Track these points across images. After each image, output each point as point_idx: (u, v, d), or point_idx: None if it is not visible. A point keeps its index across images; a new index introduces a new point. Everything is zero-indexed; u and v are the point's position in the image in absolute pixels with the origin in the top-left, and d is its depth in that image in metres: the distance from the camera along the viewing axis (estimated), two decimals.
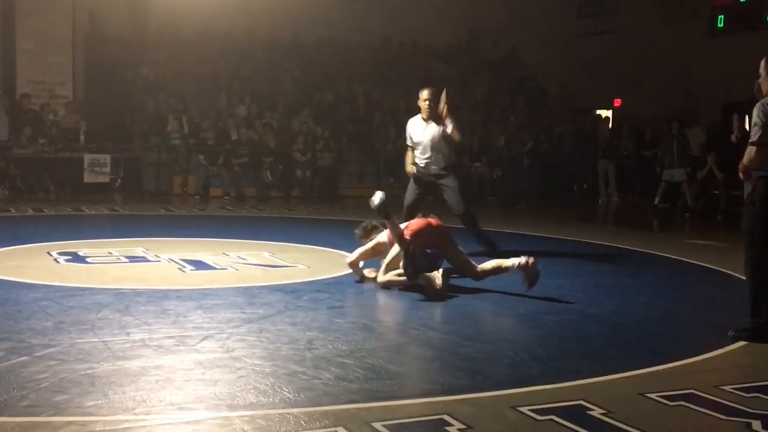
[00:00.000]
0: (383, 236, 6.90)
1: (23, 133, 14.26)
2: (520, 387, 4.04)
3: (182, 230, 9.97)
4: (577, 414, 3.66)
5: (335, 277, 7.03)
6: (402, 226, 6.76)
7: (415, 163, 8.17)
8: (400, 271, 6.45)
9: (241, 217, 12.07)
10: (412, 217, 7.28)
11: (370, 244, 6.95)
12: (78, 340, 4.67)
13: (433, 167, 8.05)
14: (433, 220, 6.85)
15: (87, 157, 14.19)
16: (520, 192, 15.64)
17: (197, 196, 14.35)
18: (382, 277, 6.63)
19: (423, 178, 8.15)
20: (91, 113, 15.59)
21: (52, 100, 15.66)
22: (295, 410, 3.61)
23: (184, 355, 4.45)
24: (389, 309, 6.16)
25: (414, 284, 6.33)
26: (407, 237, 6.52)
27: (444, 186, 8.14)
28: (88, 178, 14.15)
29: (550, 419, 3.58)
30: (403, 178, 14.19)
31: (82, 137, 14.69)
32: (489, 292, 6.50)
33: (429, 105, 7.99)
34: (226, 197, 14.46)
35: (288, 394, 3.83)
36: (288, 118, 16.39)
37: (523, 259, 6.45)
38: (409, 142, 8.24)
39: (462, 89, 18.75)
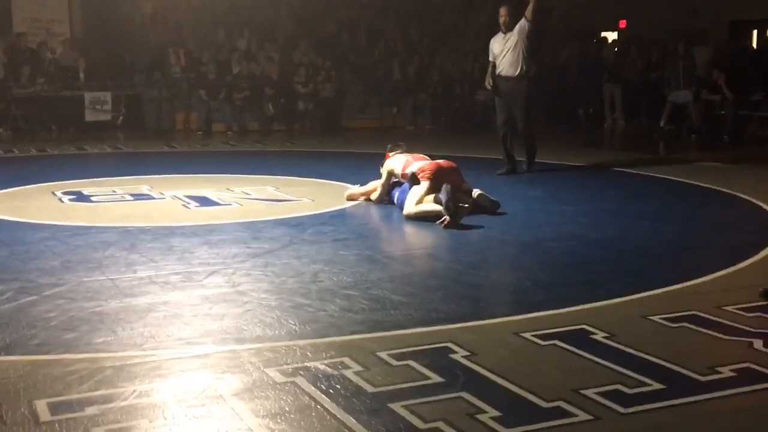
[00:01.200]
0: (396, 166, 7.05)
1: (22, 73, 14.15)
2: (523, 314, 4.09)
3: (186, 167, 9.97)
4: (579, 338, 3.71)
5: (339, 210, 7.08)
6: (409, 168, 6.92)
7: (494, 80, 9.12)
8: (430, 206, 6.45)
9: (244, 151, 12.06)
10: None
11: (372, 184, 7.23)
12: (85, 279, 4.73)
13: (507, 73, 8.99)
14: (442, 162, 6.96)
15: (87, 96, 14.10)
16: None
17: (200, 132, 14.31)
18: (412, 209, 6.56)
19: (501, 88, 9.10)
20: (89, 50, 15.42)
21: (49, 38, 15.48)
22: (301, 342, 3.67)
23: (190, 290, 4.51)
24: (393, 240, 6.20)
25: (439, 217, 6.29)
26: (429, 177, 6.64)
27: (513, 94, 9.02)
28: (89, 116, 14.08)
29: (553, 344, 3.63)
30: (399, 107, 14.33)
31: (81, 75, 14.57)
32: (494, 221, 6.52)
33: (505, 20, 9.03)
34: (229, 132, 14.42)
35: (294, 327, 3.88)
36: (289, 49, 16.21)
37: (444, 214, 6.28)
38: (491, 57, 9.20)
39: (464, 15, 18.47)
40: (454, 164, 7.02)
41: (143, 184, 8.39)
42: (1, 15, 15.72)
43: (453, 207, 6.27)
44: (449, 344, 3.62)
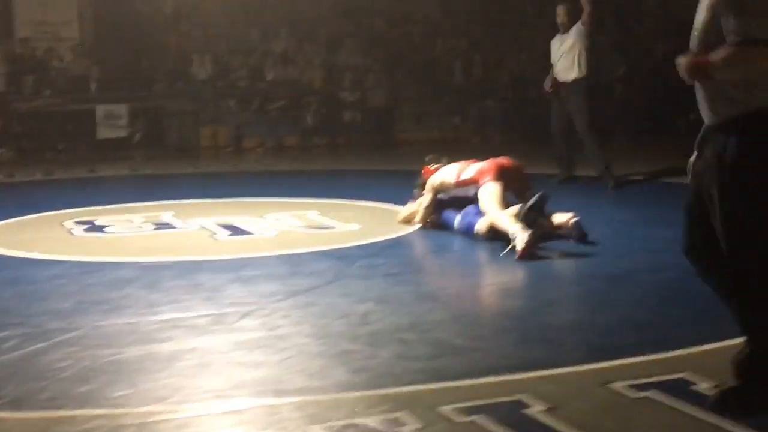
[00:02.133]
0: (447, 176, 7.15)
1: (25, 84, 14.49)
2: (612, 360, 4.06)
3: (213, 190, 10.10)
4: (681, 389, 3.67)
5: (393, 239, 7.11)
6: (464, 173, 7.06)
7: (553, 83, 9.89)
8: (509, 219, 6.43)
9: (280, 171, 12.18)
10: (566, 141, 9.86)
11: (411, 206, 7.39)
12: (101, 323, 4.83)
13: (563, 78, 9.75)
14: (503, 160, 7.05)
15: (100, 109, 14.40)
16: (612, 128, 15.44)
17: (229, 149, 14.51)
18: (491, 216, 6.58)
19: (560, 93, 9.81)
20: (102, 57, 15.78)
21: (57, 43, 15.86)
22: (350, 394, 3.70)
23: (221, 335, 4.57)
24: (456, 274, 6.22)
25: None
26: (496, 177, 6.76)
27: (570, 97, 9.73)
28: (102, 133, 14.37)
29: (648, 397, 3.60)
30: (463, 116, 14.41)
31: (93, 86, 14.90)
32: (576, 250, 6.51)
33: (563, 20, 9.82)
34: (261, 148, 14.60)
35: (341, 377, 3.92)
36: (332, 51, 16.40)
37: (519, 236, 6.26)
38: (552, 59, 9.95)
39: (538, 4, 18.49)
40: (518, 163, 7.06)
41: (165, 211, 8.52)
42: (2, 17, 16.11)
43: (534, 224, 6.29)
44: (524, 397, 3.61)
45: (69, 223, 7.98)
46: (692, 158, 3.45)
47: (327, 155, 13.89)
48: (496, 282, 5.68)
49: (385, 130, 15.53)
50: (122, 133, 14.57)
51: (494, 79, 16.40)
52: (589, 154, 9.78)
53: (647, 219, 7.83)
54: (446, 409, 3.51)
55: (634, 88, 16.32)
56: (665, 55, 17.12)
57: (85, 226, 7.84)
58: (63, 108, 14.38)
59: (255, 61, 15.75)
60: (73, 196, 9.74)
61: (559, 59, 9.84)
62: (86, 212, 8.57)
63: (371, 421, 3.41)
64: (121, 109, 14.55)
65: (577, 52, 9.72)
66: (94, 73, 14.99)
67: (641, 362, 4.03)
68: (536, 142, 14.63)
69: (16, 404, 3.69)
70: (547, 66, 10.20)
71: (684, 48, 3.59)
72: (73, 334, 4.63)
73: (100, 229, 7.76)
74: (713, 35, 3.23)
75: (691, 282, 5.48)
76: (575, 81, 9.72)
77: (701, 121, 3.48)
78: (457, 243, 6.90)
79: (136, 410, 3.58)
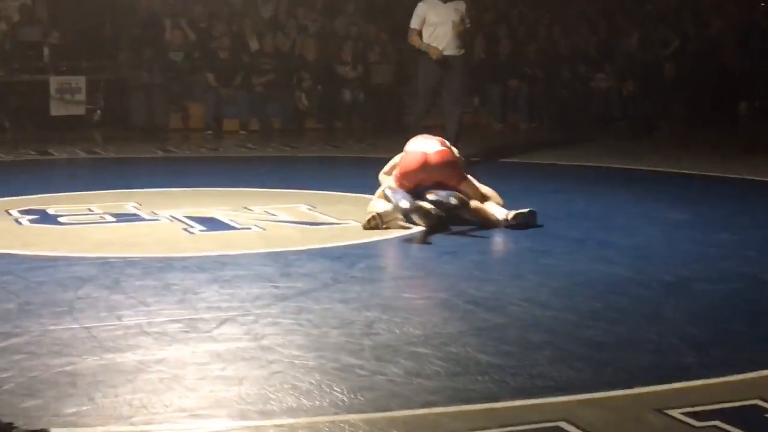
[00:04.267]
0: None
1: None
2: (667, 383, 4.03)
3: (187, 178, 10.09)
4: (752, 418, 3.64)
5: (399, 237, 7.08)
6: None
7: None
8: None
9: (267, 157, 12.19)
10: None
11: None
12: (52, 327, 4.77)
13: (450, 51, 10.88)
14: (429, 154, 7.39)
15: (54, 81, 14.39)
16: (660, 113, 15.43)
17: (207, 132, 14.50)
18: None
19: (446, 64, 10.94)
20: (57, 20, 15.76)
21: (2, 2, 15.86)
22: (351, 417, 3.64)
23: (196, 344, 4.52)
24: (476, 279, 6.15)
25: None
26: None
27: (452, 71, 10.94)
28: (56, 109, 14.35)
29: (714, 425, 3.56)
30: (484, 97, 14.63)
31: (46, 53, 14.88)
32: (619, 254, 6.51)
33: None
34: (244, 131, 14.57)
35: (341, 396, 3.87)
36: (330, 16, 16.36)
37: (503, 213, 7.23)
38: (416, 25, 11.00)
39: None
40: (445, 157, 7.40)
41: (129, 200, 8.51)
42: None
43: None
44: (563, 423, 3.57)
45: (15, 212, 7.95)
46: None
47: (322, 140, 13.86)
48: (523, 288, 5.63)
49: (391, 112, 15.49)
50: (79, 110, 14.57)
51: (521, 56, 16.34)
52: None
53: (703, 220, 7.83)
54: None
55: (687, 67, 16.27)
56: (722, 31, 17.13)
57: (35, 216, 7.82)
58: (10, 79, 14.37)
59: (238, 29, 15.70)
60: (21, 182, 9.72)
61: (444, 30, 10.87)
62: (36, 200, 8.56)
63: None
64: (79, 82, 14.52)
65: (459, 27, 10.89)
66: (47, 39, 14.94)
67: (703, 386, 4.00)
68: (567, 130, 14.65)
69: None
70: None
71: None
72: (18, 339, 4.57)
73: (52, 219, 7.73)
74: None
75: (758, 294, 5.56)
76: (461, 54, 11.08)
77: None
78: (477, 243, 6.85)
79: (93, 430, 3.53)
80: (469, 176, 7.49)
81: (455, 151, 7.66)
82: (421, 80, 11.34)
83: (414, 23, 11.06)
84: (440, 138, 7.75)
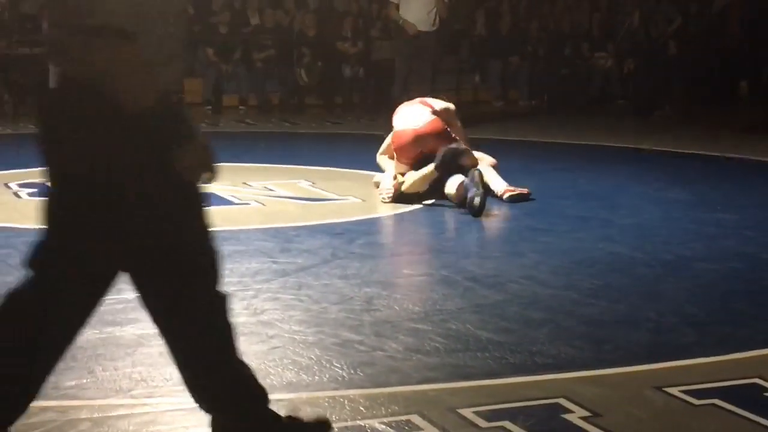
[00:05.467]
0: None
1: None
2: (667, 361, 4.05)
3: None
4: (750, 396, 3.65)
5: (399, 214, 7.10)
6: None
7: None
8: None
9: (267, 133, 12.18)
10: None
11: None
12: None
13: (424, 26, 11.13)
14: (418, 129, 7.47)
15: None
16: (662, 92, 15.39)
17: (207, 107, 14.47)
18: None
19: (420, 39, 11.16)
20: None
21: None
22: (350, 392, 3.66)
23: None
24: (476, 255, 6.19)
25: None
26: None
27: (425, 49, 11.20)
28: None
29: (712, 404, 3.58)
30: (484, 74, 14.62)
31: (45, 26, 14.82)
32: (619, 233, 6.53)
33: None
34: (243, 107, 14.54)
35: (341, 371, 3.89)
36: None
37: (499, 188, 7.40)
38: None
39: None
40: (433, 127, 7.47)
41: None
42: None
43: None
44: (562, 400, 3.59)
45: (14, 185, 7.97)
46: None
47: (322, 116, 13.84)
48: (523, 266, 5.64)
49: (391, 88, 15.44)
50: None
51: (522, 32, 16.30)
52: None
53: (703, 199, 7.83)
54: (467, 412, 3.49)
55: (689, 45, 16.22)
56: (724, 9, 17.07)
57: (34, 189, 7.77)
58: (9, 52, 14.32)
59: (238, 3, 15.65)
60: (21, 155, 9.65)
61: (420, 4, 11.16)
62: (35, 173, 8.32)
63: (377, 424, 3.37)
64: None
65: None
66: (46, 11, 14.86)
67: (703, 364, 4.02)
68: (569, 109, 14.62)
69: None
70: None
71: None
72: None
73: None
74: None
75: (757, 273, 5.58)
76: (436, 30, 11.34)
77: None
78: (477, 219, 6.85)
79: (92, 402, 3.54)
80: (457, 139, 7.52)
81: (440, 104, 7.76)
82: (398, 54, 11.83)
83: None
84: (423, 101, 7.84)
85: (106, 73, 2.68)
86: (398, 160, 7.44)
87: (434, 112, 7.54)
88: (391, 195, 7.27)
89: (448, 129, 7.49)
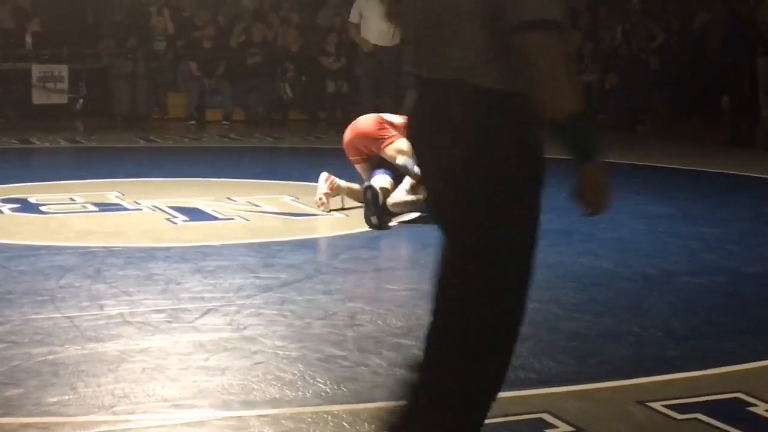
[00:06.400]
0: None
1: None
2: (650, 375, 4.06)
3: (169, 168, 10.07)
4: (733, 411, 3.66)
5: (384, 229, 7.06)
6: None
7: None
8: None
9: (250, 148, 12.15)
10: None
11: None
12: (34, 316, 4.76)
13: (382, 42, 11.81)
14: (351, 127, 7.75)
15: (36, 69, 14.33)
16: (644, 107, 15.45)
17: (190, 122, 14.45)
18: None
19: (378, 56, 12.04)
20: (39, 7, 15.68)
21: None
22: (334, 407, 3.65)
23: (178, 334, 4.52)
24: None
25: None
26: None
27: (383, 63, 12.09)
28: (38, 97, 14.30)
29: (695, 418, 3.58)
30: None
31: (28, 41, 14.81)
32: (603, 247, 6.53)
33: None
34: (226, 122, 14.53)
35: (324, 387, 3.88)
36: (314, 7, 16.33)
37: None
38: (353, 19, 12.16)
39: None
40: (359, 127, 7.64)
41: (111, 190, 8.47)
42: None
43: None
44: (545, 415, 3.59)
45: None
46: None
47: (306, 131, 13.83)
48: None
49: (375, 103, 15.46)
50: (61, 99, 14.51)
51: None
52: None
53: (686, 213, 7.85)
54: None
55: (672, 60, 16.30)
56: (707, 24, 17.15)
57: (16, 205, 7.79)
58: None
59: (223, 18, 15.66)
60: (3, 170, 9.66)
61: (383, 25, 11.52)
62: (18, 188, 8.52)
63: None
64: (61, 71, 14.46)
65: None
66: (29, 27, 14.87)
67: (685, 378, 4.02)
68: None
69: None
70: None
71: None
72: (0, 328, 4.56)
73: (34, 208, 7.70)
74: None
75: (740, 287, 5.59)
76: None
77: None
78: None
79: (74, 419, 3.52)
80: (400, 140, 7.36)
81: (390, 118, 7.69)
82: (363, 73, 12.53)
83: (351, 16, 12.18)
84: (378, 115, 7.86)
85: (536, 76, 2.44)
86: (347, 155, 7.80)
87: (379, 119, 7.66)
88: (323, 201, 7.42)
89: (377, 133, 7.55)
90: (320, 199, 7.44)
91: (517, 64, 2.48)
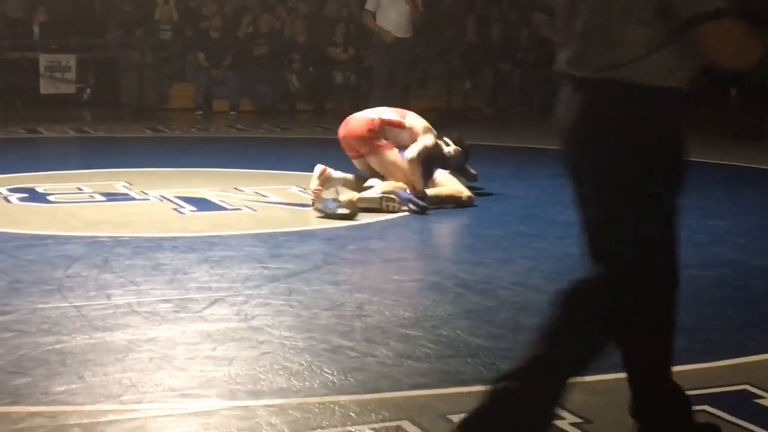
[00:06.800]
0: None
1: None
2: None
3: (177, 158, 10.08)
4: (740, 403, 3.66)
5: (390, 220, 7.09)
6: None
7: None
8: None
9: (258, 138, 12.16)
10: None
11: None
12: (41, 305, 4.77)
13: (400, 33, 11.50)
14: (343, 126, 7.92)
15: (44, 59, 14.32)
16: None
17: (198, 112, 14.45)
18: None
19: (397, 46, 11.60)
20: None
21: None
22: (341, 398, 3.66)
23: (186, 324, 4.53)
24: (467, 262, 6.17)
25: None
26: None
27: (401, 55, 11.68)
28: (46, 87, 14.29)
29: (703, 410, 3.57)
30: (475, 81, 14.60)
31: (35, 31, 14.81)
32: None
33: None
34: (233, 113, 14.52)
35: (331, 377, 3.88)
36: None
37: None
38: (370, 7, 11.60)
39: None
40: (351, 129, 7.76)
41: (119, 179, 8.49)
42: None
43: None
44: None
45: (4, 190, 7.93)
46: None
47: (313, 122, 13.83)
48: (514, 272, 5.64)
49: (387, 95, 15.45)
50: (69, 89, 14.50)
51: (514, 39, 16.31)
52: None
53: (693, 206, 7.77)
54: (458, 418, 3.42)
55: None
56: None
57: (24, 194, 7.81)
58: None
59: (230, 9, 15.65)
60: (10, 160, 9.68)
61: (397, 13, 11.51)
62: (25, 178, 8.53)
63: (368, 430, 3.37)
64: (69, 60, 14.45)
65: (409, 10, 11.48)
66: (37, 17, 14.87)
67: (693, 371, 4.00)
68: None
69: None
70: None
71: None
72: (7, 317, 4.58)
73: (41, 197, 7.72)
74: None
75: (749, 281, 5.58)
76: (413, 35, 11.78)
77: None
78: (469, 225, 6.86)
79: (82, 408, 3.53)
80: (386, 152, 7.57)
81: (389, 116, 7.76)
82: (377, 64, 12.06)
83: (368, 5, 11.71)
84: (377, 110, 8.00)
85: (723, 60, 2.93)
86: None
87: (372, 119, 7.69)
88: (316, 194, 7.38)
89: (367, 136, 7.62)
90: (315, 192, 7.39)
91: (681, 56, 2.89)
